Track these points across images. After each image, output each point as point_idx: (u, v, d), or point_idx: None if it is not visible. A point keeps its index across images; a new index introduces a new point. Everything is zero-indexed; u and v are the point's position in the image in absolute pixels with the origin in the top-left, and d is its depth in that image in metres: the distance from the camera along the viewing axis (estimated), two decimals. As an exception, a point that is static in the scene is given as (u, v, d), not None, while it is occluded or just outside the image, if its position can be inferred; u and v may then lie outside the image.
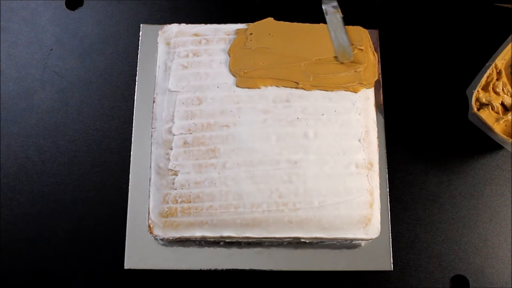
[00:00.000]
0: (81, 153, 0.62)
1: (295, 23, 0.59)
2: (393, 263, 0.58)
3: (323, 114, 0.56)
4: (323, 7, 0.59)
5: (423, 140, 0.63)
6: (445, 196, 0.61)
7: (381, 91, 0.62)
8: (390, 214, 0.59)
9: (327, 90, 0.57)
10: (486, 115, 0.58)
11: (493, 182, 0.62)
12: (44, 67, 0.64)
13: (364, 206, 0.54)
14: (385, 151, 0.60)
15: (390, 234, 0.58)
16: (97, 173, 0.61)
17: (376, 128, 0.57)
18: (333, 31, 0.58)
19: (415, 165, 0.62)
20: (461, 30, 0.66)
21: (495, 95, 0.59)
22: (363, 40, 0.58)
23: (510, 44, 0.59)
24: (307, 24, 0.59)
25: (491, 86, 0.59)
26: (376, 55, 0.59)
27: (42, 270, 0.59)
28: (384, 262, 0.58)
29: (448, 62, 0.64)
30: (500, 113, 0.59)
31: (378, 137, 0.57)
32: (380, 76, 0.62)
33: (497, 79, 0.59)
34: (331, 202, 0.54)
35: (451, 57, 0.64)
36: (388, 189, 0.60)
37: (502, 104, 0.59)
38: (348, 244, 0.57)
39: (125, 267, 0.57)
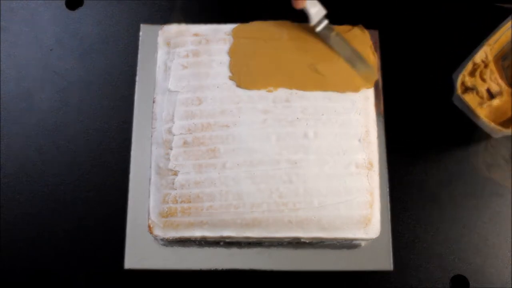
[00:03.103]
0: (81, 153, 0.62)
1: (295, 23, 0.59)
2: (393, 263, 0.58)
3: (323, 114, 0.56)
4: (317, 30, 0.58)
5: (423, 140, 0.63)
6: (445, 196, 0.61)
7: (381, 91, 0.62)
8: (390, 214, 0.59)
9: (327, 90, 0.57)
10: (470, 99, 0.58)
11: (493, 182, 0.62)
12: (44, 67, 0.64)
13: (364, 206, 0.54)
14: (385, 151, 0.60)
15: (390, 234, 0.58)
16: (97, 173, 0.61)
17: (376, 128, 0.57)
18: (347, 58, 0.57)
19: (415, 165, 0.62)
20: (461, 30, 0.66)
21: (481, 81, 0.59)
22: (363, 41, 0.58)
23: (499, 32, 0.59)
24: (306, 24, 0.59)
25: (478, 72, 0.59)
26: (376, 55, 0.59)
27: (42, 270, 0.59)
28: (384, 262, 0.58)
29: (448, 63, 0.64)
30: (485, 98, 0.59)
31: (378, 137, 0.57)
32: (380, 76, 0.62)
33: (485, 67, 0.60)
34: (331, 202, 0.54)
35: (451, 58, 0.64)
36: (388, 189, 0.60)
37: (488, 91, 0.59)
38: (348, 244, 0.57)
39: (125, 267, 0.57)
